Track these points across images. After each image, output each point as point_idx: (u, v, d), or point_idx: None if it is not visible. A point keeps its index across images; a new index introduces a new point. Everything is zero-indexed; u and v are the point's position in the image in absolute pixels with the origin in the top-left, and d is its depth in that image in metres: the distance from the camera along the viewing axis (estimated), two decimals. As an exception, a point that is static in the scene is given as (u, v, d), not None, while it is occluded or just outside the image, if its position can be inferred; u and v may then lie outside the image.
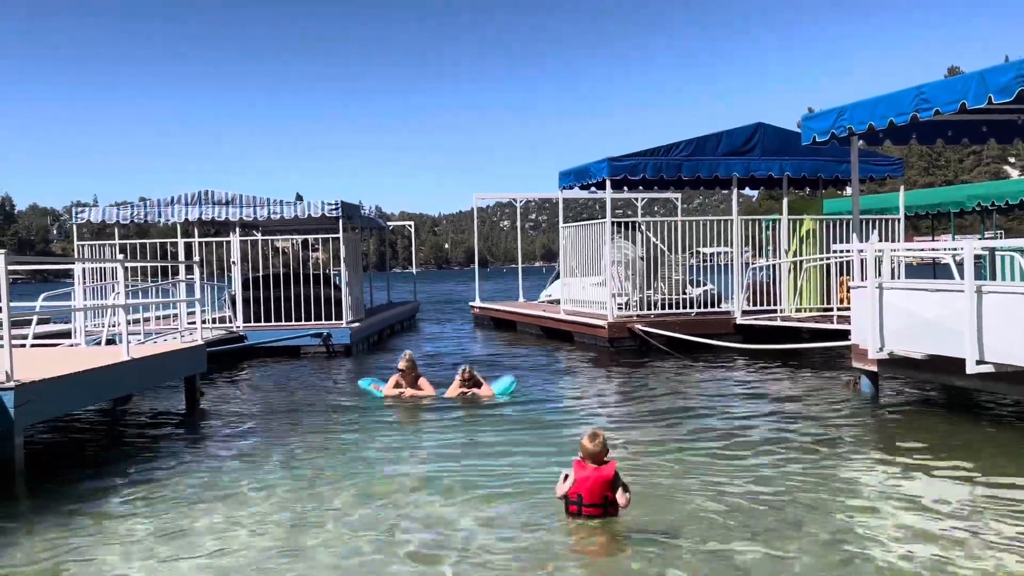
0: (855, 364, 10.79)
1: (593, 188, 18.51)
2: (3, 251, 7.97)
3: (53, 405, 8.01)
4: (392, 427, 9.54)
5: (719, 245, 17.53)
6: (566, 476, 5.87)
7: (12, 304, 7.88)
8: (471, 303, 27.28)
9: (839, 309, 14.77)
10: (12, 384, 7.23)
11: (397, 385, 11.13)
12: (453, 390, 11.00)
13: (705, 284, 17.81)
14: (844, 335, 12.55)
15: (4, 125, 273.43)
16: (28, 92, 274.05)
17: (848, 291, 14.28)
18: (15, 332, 8.82)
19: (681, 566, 4.98)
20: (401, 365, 11.22)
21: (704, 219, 17.51)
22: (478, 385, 11.04)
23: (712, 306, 17.23)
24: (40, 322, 12.76)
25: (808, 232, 16.75)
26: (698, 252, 17.64)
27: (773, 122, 17.36)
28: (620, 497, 5.75)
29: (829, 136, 11.38)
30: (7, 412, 7.19)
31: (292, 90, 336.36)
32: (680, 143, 16.78)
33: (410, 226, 33.81)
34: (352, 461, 7.85)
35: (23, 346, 10.85)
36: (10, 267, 7.82)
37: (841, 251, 15.01)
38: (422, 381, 11.24)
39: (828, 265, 16.20)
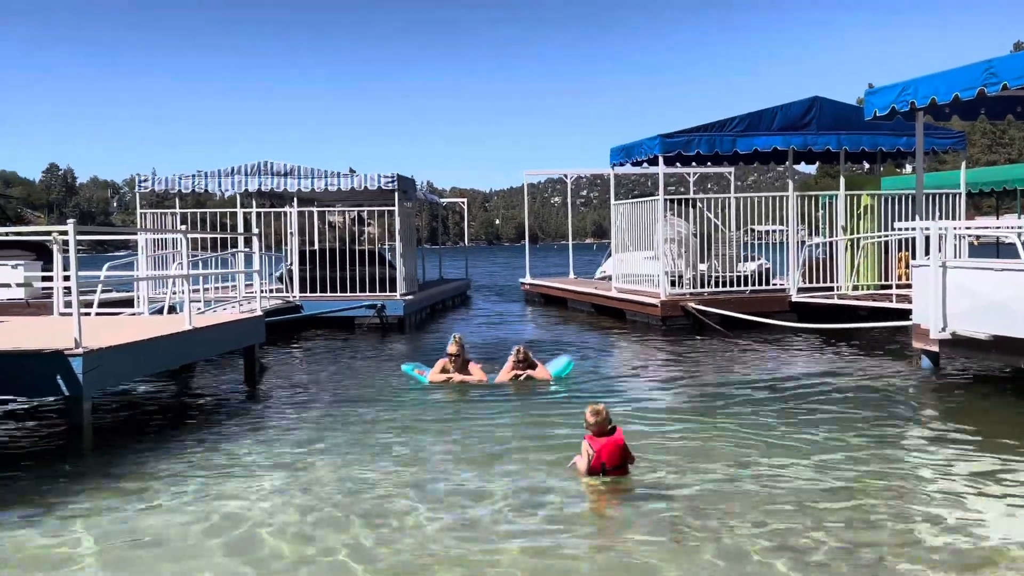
0: (915, 344, 10.62)
1: (645, 164, 18.35)
2: (71, 221, 8.19)
3: (119, 372, 8.22)
4: (446, 404, 9.61)
5: (774, 222, 17.30)
6: (584, 454, 6.29)
7: (79, 273, 8.08)
8: (521, 280, 27.32)
9: (898, 287, 14.52)
10: (81, 350, 7.43)
11: (444, 369, 10.35)
12: (506, 373, 10.33)
13: (758, 259, 17.63)
14: (903, 314, 12.35)
15: (66, 99, 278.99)
16: (88, 67, 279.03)
17: (907, 268, 14.05)
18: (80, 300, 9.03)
19: (738, 541, 4.99)
20: (451, 349, 10.41)
21: (759, 195, 17.30)
22: (533, 366, 10.34)
23: (766, 282, 17.05)
24: (104, 292, 13.05)
25: (866, 208, 16.47)
26: (752, 229, 17.44)
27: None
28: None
29: (891, 110, 11.15)
30: (76, 378, 7.39)
31: (343, 66, 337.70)
32: (734, 118, 16.55)
33: (463, 203, 33.91)
34: (408, 433, 7.96)
35: (88, 314, 11.13)
36: (76, 237, 8.03)
37: (903, 229, 14.74)
38: (472, 366, 10.49)
39: (886, 242, 15.93)
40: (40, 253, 16.18)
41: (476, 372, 10.37)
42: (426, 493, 6.02)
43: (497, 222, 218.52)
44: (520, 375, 10.22)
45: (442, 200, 34.65)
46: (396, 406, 9.25)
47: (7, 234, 14.44)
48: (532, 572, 4.63)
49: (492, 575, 4.60)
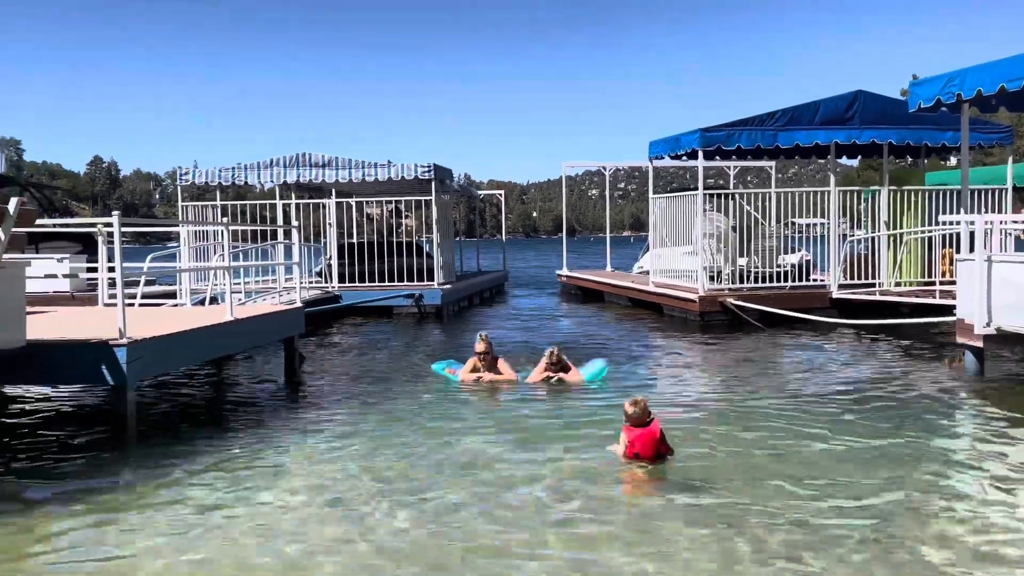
0: (959, 339, 10.46)
1: (684, 158, 18.24)
2: (116, 213, 8.31)
3: (162, 362, 8.35)
4: (478, 399, 9.63)
5: (815, 216, 17.11)
6: (620, 444, 6.61)
7: (123, 265, 8.20)
8: (558, 272, 27.30)
9: (941, 283, 14.30)
10: (125, 340, 7.55)
11: (474, 369, 10.15)
12: (538, 374, 10.00)
13: (800, 251, 17.46)
14: (947, 310, 12.16)
15: (109, 93, 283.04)
16: (131, 61, 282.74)
17: (951, 264, 13.83)
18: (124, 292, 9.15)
19: (774, 535, 4.96)
20: (479, 347, 10.15)
21: (800, 190, 17.11)
22: (566, 369, 10.01)
23: (807, 275, 16.87)
24: (147, 283, 13.26)
25: (909, 203, 16.23)
26: (792, 223, 17.27)
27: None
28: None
29: (935, 102, 10.97)
30: (120, 367, 7.51)
31: (380, 58, 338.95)
32: (775, 112, 16.38)
33: (500, 195, 33.93)
34: (443, 424, 8.01)
35: (132, 305, 11.30)
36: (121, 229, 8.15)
37: (948, 222, 14.46)
38: (501, 363, 10.22)
39: (930, 237, 15.68)
40: (86, 244, 16.47)
41: (506, 371, 10.16)
42: (461, 482, 6.05)
43: (534, 214, 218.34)
44: (552, 377, 9.95)
45: (479, 192, 34.71)
46: (431, 398, 9.29)
47: (54, 225, 14.71)
48: (572, 561, 4.63)
49: (533, 565, 4.61)
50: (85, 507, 5.72)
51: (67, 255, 15.23)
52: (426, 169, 18.31)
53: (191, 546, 5.00)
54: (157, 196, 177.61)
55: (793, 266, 16.78)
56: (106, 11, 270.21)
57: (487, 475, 6.28)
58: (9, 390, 9.70)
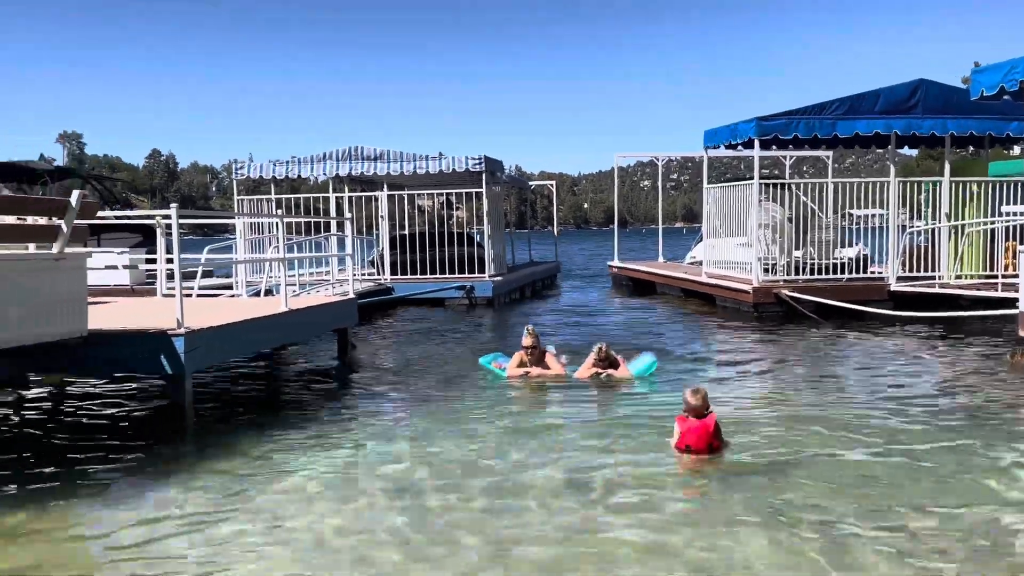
0: (1021, 333, 10.19)
1: (740, 147, 18.02)
2: (174, 205, 8.47)
3: (218, 352, 8.49)
4: (527, 393, 9.62)
5: (873, 207, 16.79)
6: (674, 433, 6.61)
7: (181, 256, 8.36)
8: (610, 263, 27.19)
9: (1004, 276, 13.94)
10: (183, 330, 7.69)
11: (521, 363, 9.96)
12: (586, 369, 9.80)
13: (857, 244, 17.14)
14: (1009, 303, 11.86)
15: (168, 90, 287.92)
16: (189, 57, 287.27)
17: (1014, 257, 13.47)
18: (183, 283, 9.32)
19: (838, 531, 4.89)
20: (526, 341, 9.95)
21: (858, 180, 16.80)
22: (615, 365, 9.81)
23: (864, 269, 16.58)
24: (204, 274, 13.49)
25: (971, 194, 15.84)
26: (850, 214, 16.97)
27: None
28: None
29: (998, 90, 10.68)
30: (178, 357, 7.66)
31: (434, 51, 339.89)
32: (834, 101, 16.10)
33: (551, 186, 33.87)
34: (494, 417, 8.03)
35: (189, 296, 11.52)
36: (179, 221, 8.30)
37: (1011, 214, 14.09)
38: (549, 358, 10.05)
39: (992, 229, 15.29)
40: (146, 236, 16.82)
41: (554, 365, 9.98)
42: (515, 474, 6.05)
43: (585, 206, 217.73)
44: (601, 373, 9.75)
45: (530, 183, 34.69)
46: (481, 391, 9.28)
47: (115, 217, 15.03)
48: (636, 554, 4.62)
49: (592, 561, 4.60)
50: (141, 496, 5.84)
51: (127, 249, 15.56)
52: (477, 161, 18.38)
53: (247, 539, 5.06)
54: (213, 189, 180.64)
55: (850, 260, 16.49)
56: (166, 7, 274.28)
57: (536, 471, 6.26)
58: (67, 381, 9.93)
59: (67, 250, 7.22)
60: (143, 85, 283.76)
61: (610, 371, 9.77)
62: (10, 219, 7.67)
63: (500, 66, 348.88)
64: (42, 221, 7.31)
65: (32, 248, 7.25)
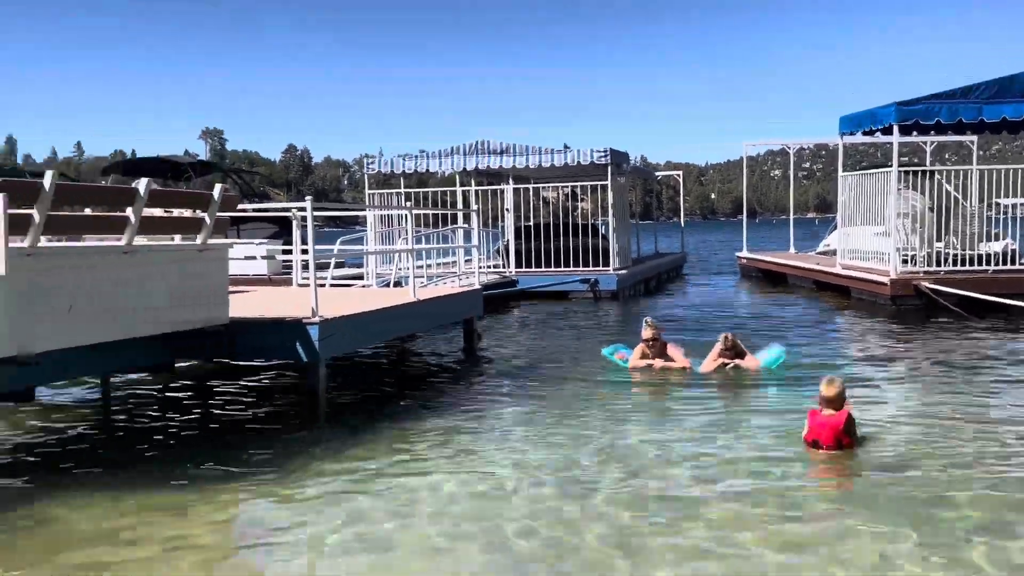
0: None
1: (878, 134, 17.31)
2: (309, 198, 8.76)
3: (350, 340, 8.73)
4: (650, 386, 9.48)
5: (1021, 196, 15.84)
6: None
7: (315, 247, 8.65)
8: (738, 253, 26.63)
9: None
10: (317, 319, 7.94)
11: (643, 355, 9.80)
12: (711, 361, 9.61)
13: (1005, 239, 16.20)
14: None
15: (304, 88, 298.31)
16: (323, 56, 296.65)
17: None
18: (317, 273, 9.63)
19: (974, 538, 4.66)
20: (645, 334, 9.78)
21: (1006, 167, 15.88)
22: (741, 355, 9.59)
23: (1012, 263, 15.66)
24: (336, 265, 13.91)
25: None
26: (996, 203, 16.06)
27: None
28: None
29: None
30: (313, 344, 7.91)
31: (558, 42, 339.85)
32: (980, 84, 15.25)
33: (678, 176, 33.42)
34: (617, 410, 7.98)
35: (323, 286, 11.89)
36: (313, 213, 8.58)
37: None
38: (672, 349, 9.85)
39: None
40: (282, 227, 17.47)
41: (678, 357, 9.75)
42: (640, 473, 6.00)
43: (713, 196, 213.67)
44: (727, 364, 9.54)
45: (657, 174, 34.30)
46: (605, 385, 9.20)
47: (254, 210, 15.68)
48: (771, 551, 4.52)
49: (715, 562, 4.53)
50: (277, 483, 6.06)
51: (265, 241, 16.21)
52: (602, 154, 18.33)
53: (376, 528, 5.16)
54: (345, 182, 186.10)
55: (996, 254, 15.61)
56: (308, 5, 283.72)
57: (664, 467, 6.19)
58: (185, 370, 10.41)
59: (210, 241, 7.57)
60: (280, 83, 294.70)
61: (737, 361, 9.55)
62: (158, 211, 8.10)
63: (624, 53, 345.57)
64: (187, 213, 7.70)
65: (178, 239, 7.62)
